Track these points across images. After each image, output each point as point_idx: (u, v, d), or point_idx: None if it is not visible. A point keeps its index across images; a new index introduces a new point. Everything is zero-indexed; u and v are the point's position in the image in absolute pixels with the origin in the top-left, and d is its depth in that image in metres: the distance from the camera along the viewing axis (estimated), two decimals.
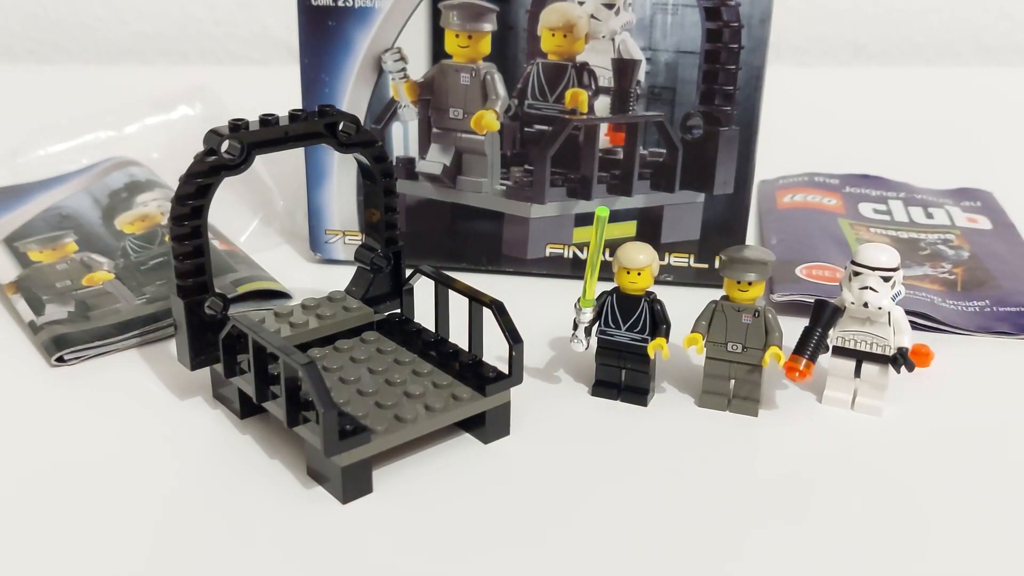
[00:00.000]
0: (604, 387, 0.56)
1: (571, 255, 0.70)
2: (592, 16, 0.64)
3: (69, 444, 0.51)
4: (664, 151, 0.66)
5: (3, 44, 1.37)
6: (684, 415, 0.54)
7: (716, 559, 0.44)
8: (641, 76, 0.65)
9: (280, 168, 0.79)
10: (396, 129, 0.68)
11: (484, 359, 0.53)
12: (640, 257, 0.53)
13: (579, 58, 0.65)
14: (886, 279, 0.52)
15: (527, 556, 0.44)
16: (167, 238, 0.54)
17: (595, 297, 0.54)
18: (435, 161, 0.69)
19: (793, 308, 0.63)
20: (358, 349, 0.54)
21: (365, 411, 0.48)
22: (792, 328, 0.54)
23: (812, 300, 0.55)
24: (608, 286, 0.55)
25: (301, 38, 0.66)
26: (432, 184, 0.69)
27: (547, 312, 0.61)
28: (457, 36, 0.66)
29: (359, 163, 0.55)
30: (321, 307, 0.56)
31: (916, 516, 0.47)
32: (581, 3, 0.64)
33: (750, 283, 0.52)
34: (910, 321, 0.54)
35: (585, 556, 0.44)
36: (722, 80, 0.64)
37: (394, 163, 0.68)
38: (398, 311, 0.58)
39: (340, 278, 0.61)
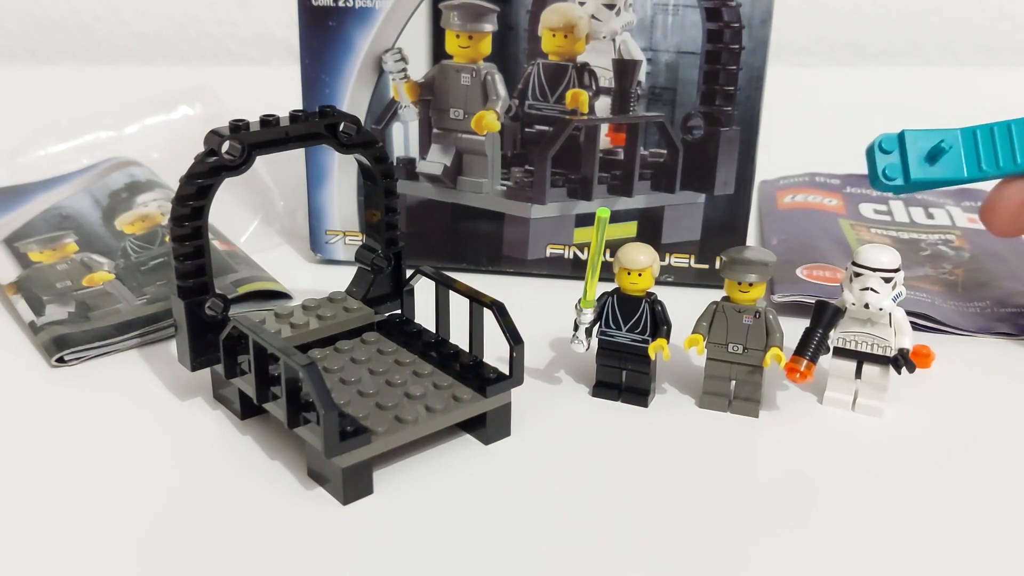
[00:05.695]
0: (605, 388, 0.56)
1: (572, 256, 0.69)
2: (593, 16, 0.64)
3: (69, 444, 0.51)
4: (665, 152, 0.66)
5: (3, 44, 1.37)
6: (685, 416, 0.54)
7: (717, 560, 0.44)
8: (642, 76, 0.65)
9: (280, 168, 0.79)
10: (397, 129, 0.68)
11: (485, 360, 0.53)
12: (641, 258, 0.53)
13: (580, 58, 0.65)
14: (887, 280, 0.52)
15: (528, 557, 0.44)
16: (167, 239, 0.54)
17: (596, 298, 0.54)
18: (436, 162, 0.69)
19: (794, 309, 0.63)
20: (359, 350, 0.54)
21: (366, 412, 0.48)
22: (793, 329, 0.54)
23: (813, 301, 0.55)
24: (609, 287, 0.55)
25: (301, 38, 0.66)
26: (432, 185, 0.69)
27: (547, 313, 0.61)
28: (458, 36, 0.65)
29: (360, 164, 0.55)
30: (322, 308, 0.56)
31: (917, 517, 0.47)
32: (582, 3, 0.64)
33: (751, 284, 0.52)
34: (911, 322, 0.54)
35: (587, 557, 0.44)
36: (723, 80, 0.64)
37: (394, 164, 0.68)
38: (399, 312, 0.58)
39: (340, 278, 0.61)
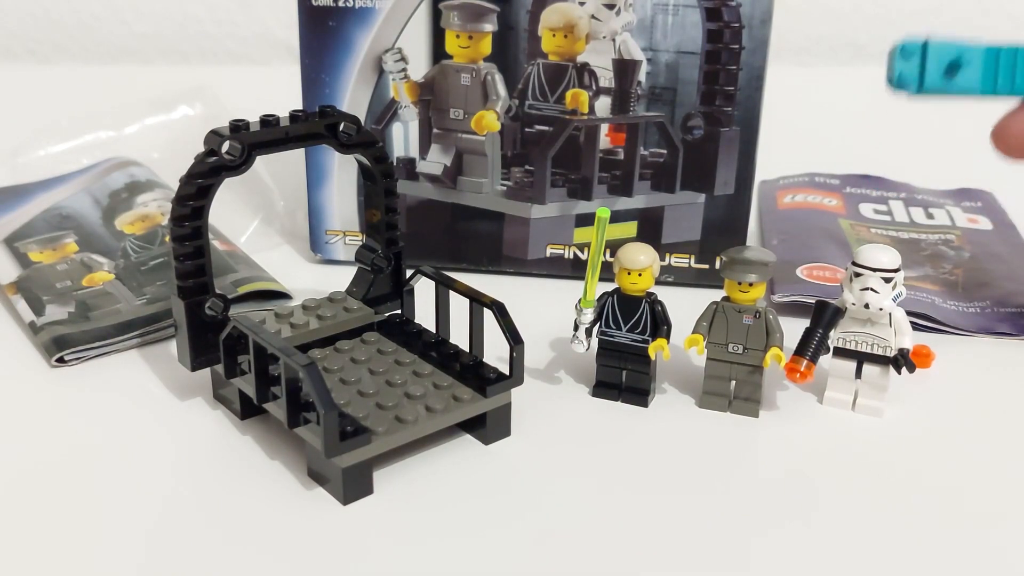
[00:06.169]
0: (605, 388, 0.56)
1: (572, 256, 0.69)
2: (593, 16, 0.64)
3: (69, 444, 0.51)
4: (665, 152, 0.66)
5: (3, 44, 1.37)
6: (685, 416, 0.54)
7: (717, 560, 0.44)
8: (642, 76, 0.65)
9: (280, 168, 0.79)
10: (397, 129, 0.68)
11: (485, 360, 0.53)
12: (641, 258, 0.53)
13: (580, 58, 0.65)
14: (887, 280, 0.52)
15: (528, 557, 0.44)
16: (167, 239, 0.54)
17: (596, 298, 0.54)
18: (436, 162, 0.69)
19: (794, 309, 0.63)
20: (359, 350, 0.54)
21: (366, 412, 0.48)
22: (793, 329, 0.54)
23: (813, 301, 0.55)
24: (609, 287, 0.55)
25: (301, 38, 0.66)
26: (433, 185, 0.69)
27: (548, 313, 0.61)
28: (458, 36, 0.65)
29: (360, 164, 0.55)
30: (322, 308, 0.56)
31: (918, 517, 0.47)
32: (582, 3, 0.64)
33: (751, 284, 0.52)
34: (911, 322, 0.54)
35: (587, 557, 0.44)
36: (723, 81, 0.64)
37: (395, 164, 0.68)
38: (399, 312, 0.58)
39: (340, 278, 0.61)
